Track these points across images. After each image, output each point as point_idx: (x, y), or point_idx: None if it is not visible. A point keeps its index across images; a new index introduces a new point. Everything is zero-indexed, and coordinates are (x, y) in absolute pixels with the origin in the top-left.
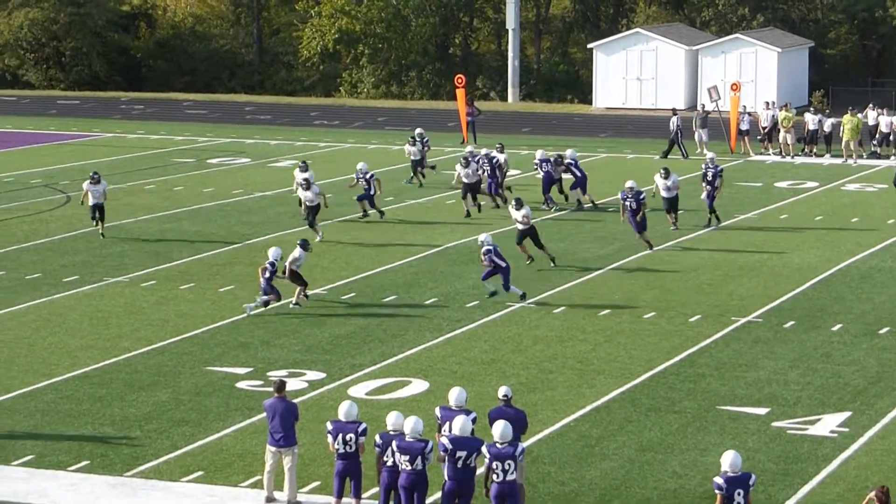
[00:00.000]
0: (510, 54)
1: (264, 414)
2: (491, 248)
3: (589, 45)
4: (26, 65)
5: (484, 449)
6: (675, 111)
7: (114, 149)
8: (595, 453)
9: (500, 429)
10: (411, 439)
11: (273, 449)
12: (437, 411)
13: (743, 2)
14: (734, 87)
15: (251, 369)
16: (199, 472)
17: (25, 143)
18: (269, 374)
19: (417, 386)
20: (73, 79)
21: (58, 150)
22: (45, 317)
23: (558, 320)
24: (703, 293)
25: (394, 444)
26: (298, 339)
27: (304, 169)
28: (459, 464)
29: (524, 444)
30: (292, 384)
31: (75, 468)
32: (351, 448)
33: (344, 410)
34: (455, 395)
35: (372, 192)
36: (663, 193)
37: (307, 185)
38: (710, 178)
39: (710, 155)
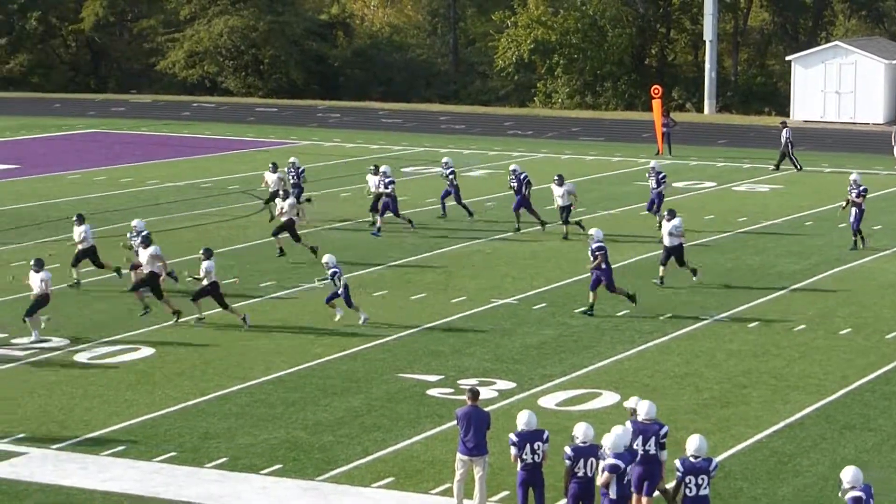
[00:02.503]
0: (707, 66)
1: (455, 422)
2: (337, 269)
3: (787, 58)
4: (225, 72)
5: (677, 462)
6: (784, 123)
7: (310, 156)
8: (788, 470)
9: (696, 443)
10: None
11: (464, 457)
12: (628, 425)
13: None
14: None
15: (442, 377)
16: (390, 479)
17: (224, 149)
18: (459, 382)
19: (608, 398)
20: (270, 86)
21: (255, 156)
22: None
23: (753, 335)
24: None
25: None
26: (489, 349)
27: (80, 222)
28: (624, 479)
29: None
30: (482, 393)
31: (268, 471)
32: (538, 457)
33: (525, 419)
34: (645, 408)
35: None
36: (665, 241)
37: (80, 219)
38: (854, 197)
39: (853, 176)
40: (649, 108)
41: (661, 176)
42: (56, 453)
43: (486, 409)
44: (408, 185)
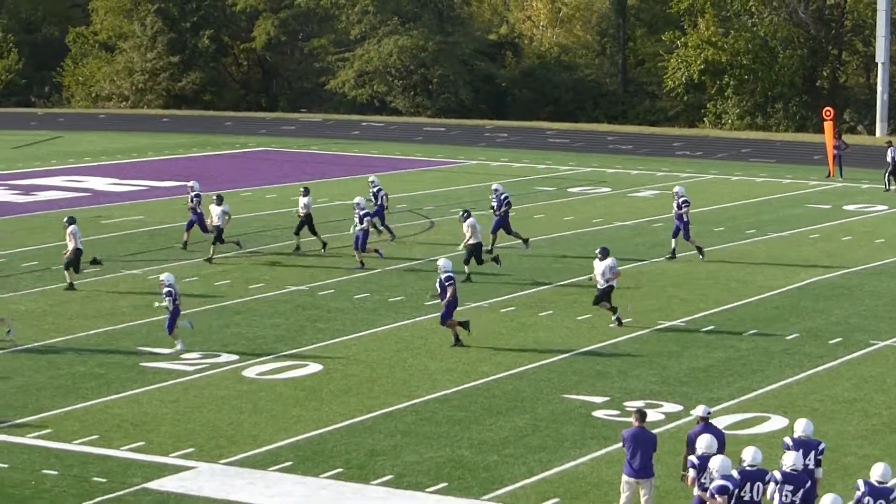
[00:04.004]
0: (879, 88)
1: (620, 444)
2: (171, 288)
3: None
4: (394, 91)
5: (860, 482)
6: (890, 143)
7: (476, 176)
8: None
9: (881, 469)
10: (793, 470)
11: (630, 479)
12: (787, 440)
13: None
14: None
15: (608, 398)
16: (555, 500)
17: (392, 168)
18: (625, 404)
19: (776, 422)
20: (439, 106)
21: (423, 176)
22: (407, 339)
23: None
24: None
25: (777, 474)
26: (656, 371)
27: None
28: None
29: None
30: (649, 415)
31: (433, 490)
32: None
33: (705, 444)
34: (803, 426)
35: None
36: (598, 281)
37: None
38: None
39: None
40: (820, 130)
41: (682, 200)
42: (224, 468)
43: (653, 432)
44: (573, 206)
